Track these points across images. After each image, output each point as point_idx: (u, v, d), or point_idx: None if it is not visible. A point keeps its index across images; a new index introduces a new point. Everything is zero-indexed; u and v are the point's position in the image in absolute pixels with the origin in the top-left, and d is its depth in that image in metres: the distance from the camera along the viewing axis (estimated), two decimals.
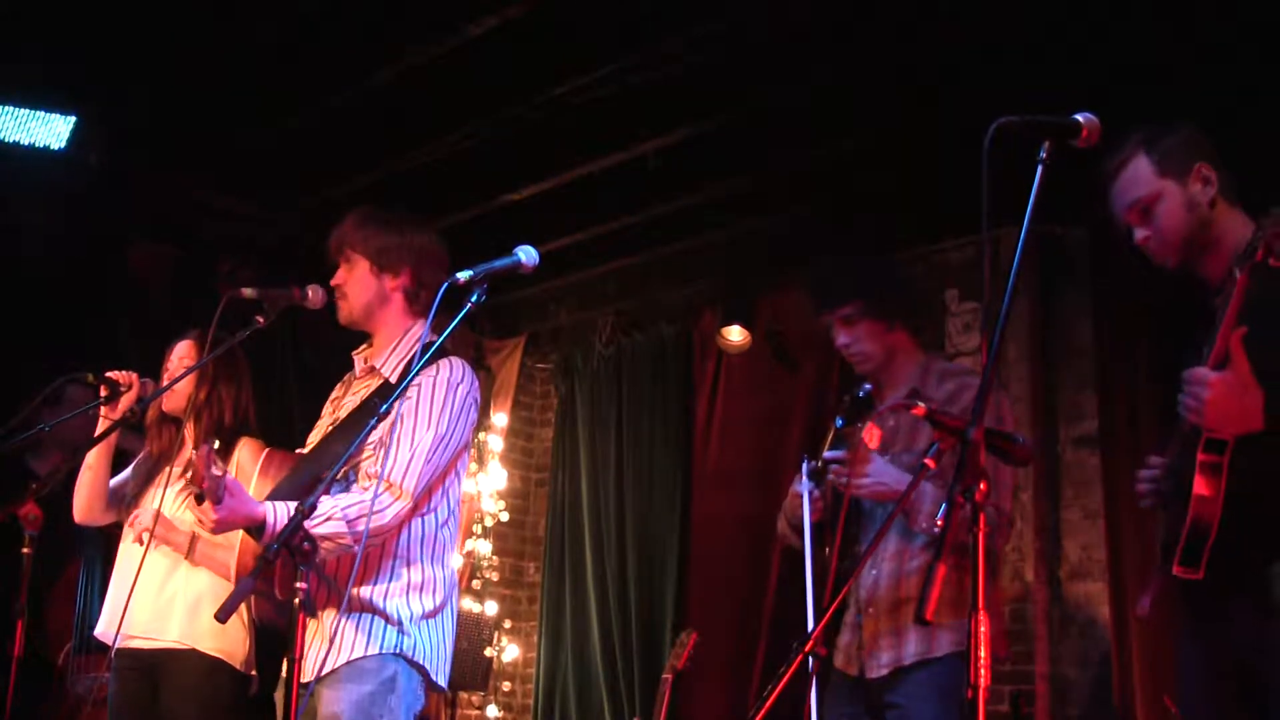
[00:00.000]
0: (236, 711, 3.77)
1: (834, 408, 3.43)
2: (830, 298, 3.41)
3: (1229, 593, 2.54)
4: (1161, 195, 2.71)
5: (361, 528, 2.82)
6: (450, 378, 3.03)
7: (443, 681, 3.06)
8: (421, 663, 2.98)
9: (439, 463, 3.00)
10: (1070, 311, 5.44)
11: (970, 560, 1.95)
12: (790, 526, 3.38)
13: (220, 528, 2.80)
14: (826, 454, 3.19)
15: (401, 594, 2.98)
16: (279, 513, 2.79)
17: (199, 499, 2.76)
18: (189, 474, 2.77)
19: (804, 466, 3.25)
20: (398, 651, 2.93)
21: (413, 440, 2.96)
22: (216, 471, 2.70)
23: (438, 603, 3.04)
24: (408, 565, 3.01)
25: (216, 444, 2.75)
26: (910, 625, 3.18)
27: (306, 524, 2.66)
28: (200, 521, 2.85)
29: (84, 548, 4.71)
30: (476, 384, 3.15)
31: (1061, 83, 4.38)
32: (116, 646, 3.72)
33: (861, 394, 3.28)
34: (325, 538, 2.79)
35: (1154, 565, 2.76)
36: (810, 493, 3.21)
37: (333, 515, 2.81)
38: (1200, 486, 2.43)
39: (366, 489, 2.91)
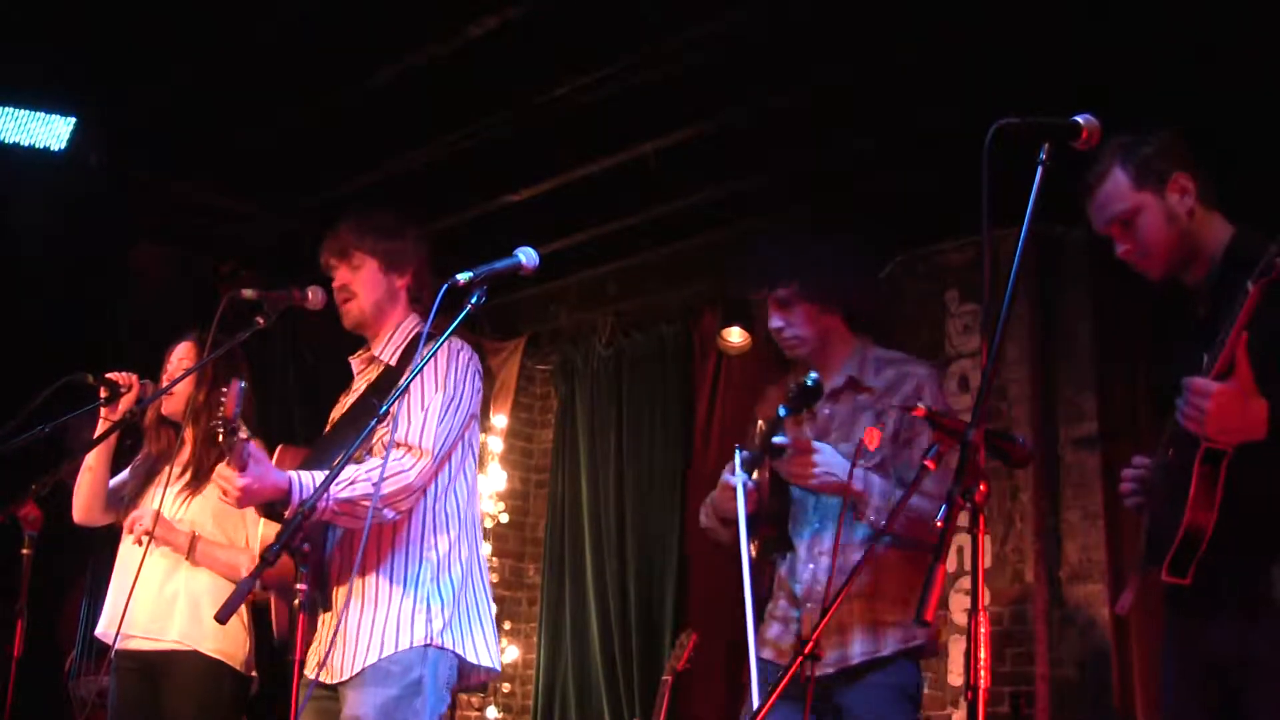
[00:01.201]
0: (237, 712, 3.77)
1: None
2: (766, 277, 3.23)
3: (1215, 596, 2.54)
4: (1141, 209, 2.69)
5: (387, 489, 2.81)
6: (451, 347, 3.07)
7: (487, 661, 3.02)
8: (453, 649, 2.95)
9: (453, 424, 3.01)
10: (1070, 311, 5.44)
11: (973, 560, 1.95)
12: (719, 520, 3.25)
13: (246, 496, 2.75)
14: (775, 440, 3.03)
15: (432, 579, 2.97)
16: (303, 481, 2.78)
17: (224, 433, 2.64)
18: (220, 409, 2.63)
19: (737, 456, 3.08)
20: (427, 642, 2.91)
21: (423, 403, 2.99)
22: (243, 434, 2.65)
23: (464, 583, 3.03)
24: (434, 548, 3.01)
25: (243, 383, 2.63)
26: (855, 624, 3.09)
27: (333, 490, 2.68)
28: (225, 492, 2.76)
29: (94, 554, 4.70)
30: (477, 358, 3.18)
31: (1061, 83, 4.39)
32: (117, 647, 3.72)
33: (810, 382, 3.09)
34: (351, 501, 2.78)
35: (1135, 562, 2.75)
36: (744, 484, 3.05)
37: (357, 479, 2.80)
38: (1196, 496, 2.42)
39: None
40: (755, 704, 2.98)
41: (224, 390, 2.61)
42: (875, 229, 5.72)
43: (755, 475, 3.10)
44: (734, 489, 3.02)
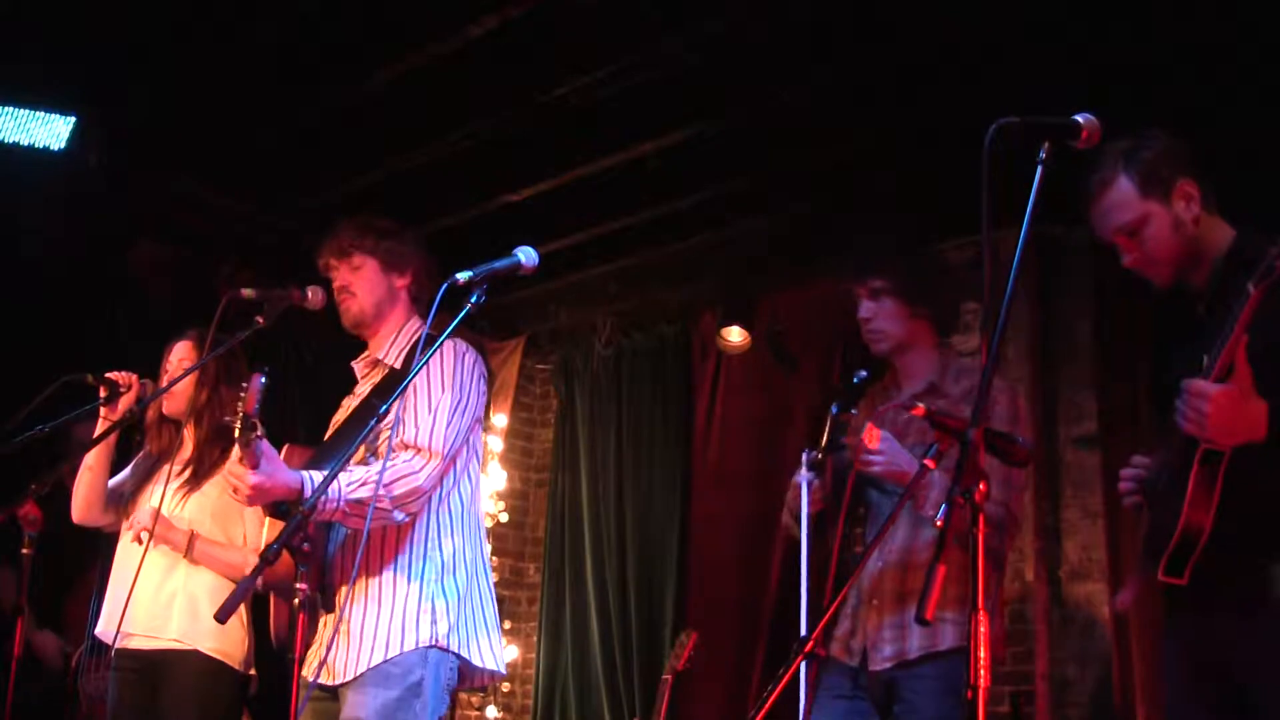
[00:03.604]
0: (236, 711, 3.77)
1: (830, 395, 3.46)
2: (865, 266, 3.41)
3: (1213, 596, 2.54)
4: (1148, 219, 2.67)
5: (398, 490, 2.82)
6: (457, 349, 3.09)
7: (491, 664, 3.03)
8: (458, 650, 2.96)
9: (460, 426, 3.01)
10: (1070, 311, 5.44)
11: (971, 559, 1.95)
12: (793, 518, 3.38)
13: (257, 494, 2.73)
14: (839, 440, 3.24)
15: (437, 580, 2.98)
16: (315, 480, 2.76)
17: (241, 428, 2.60)
18: (240, 403, 2.56)
19: (804, 457, 3.28)
20: (431, 643, 2.91)
21: (430, 404, 2.99)
22: (259, 432, 2.63)
23: (469, 585, 3.03)
24: (440, 549, 3.01)
25: (264, 379, 2.54)
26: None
27: (345, 491, 2.70)
28: (235, 489, 2.75)
29: (102, 552, 4.71)
30: (483, 361, 3.18)
31: (1061, 83, 4.38)
32: (116, 647, 3.72)
33: (857, 380, 3.32)
34: (362, 502, 2.77)
35: (1135, 561, 2.75)
36: (810, 483, 3.24)
37: (368, 480, 2.80)
38: (1194, 497, 2.42)
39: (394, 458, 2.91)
40: (803, 701, 3.14)
41: (244, 385, 2.56)
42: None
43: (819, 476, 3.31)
44: (800, 489, 3.24)
